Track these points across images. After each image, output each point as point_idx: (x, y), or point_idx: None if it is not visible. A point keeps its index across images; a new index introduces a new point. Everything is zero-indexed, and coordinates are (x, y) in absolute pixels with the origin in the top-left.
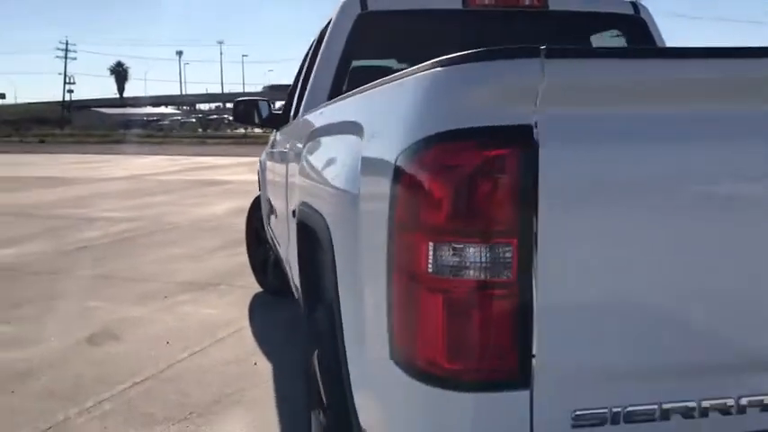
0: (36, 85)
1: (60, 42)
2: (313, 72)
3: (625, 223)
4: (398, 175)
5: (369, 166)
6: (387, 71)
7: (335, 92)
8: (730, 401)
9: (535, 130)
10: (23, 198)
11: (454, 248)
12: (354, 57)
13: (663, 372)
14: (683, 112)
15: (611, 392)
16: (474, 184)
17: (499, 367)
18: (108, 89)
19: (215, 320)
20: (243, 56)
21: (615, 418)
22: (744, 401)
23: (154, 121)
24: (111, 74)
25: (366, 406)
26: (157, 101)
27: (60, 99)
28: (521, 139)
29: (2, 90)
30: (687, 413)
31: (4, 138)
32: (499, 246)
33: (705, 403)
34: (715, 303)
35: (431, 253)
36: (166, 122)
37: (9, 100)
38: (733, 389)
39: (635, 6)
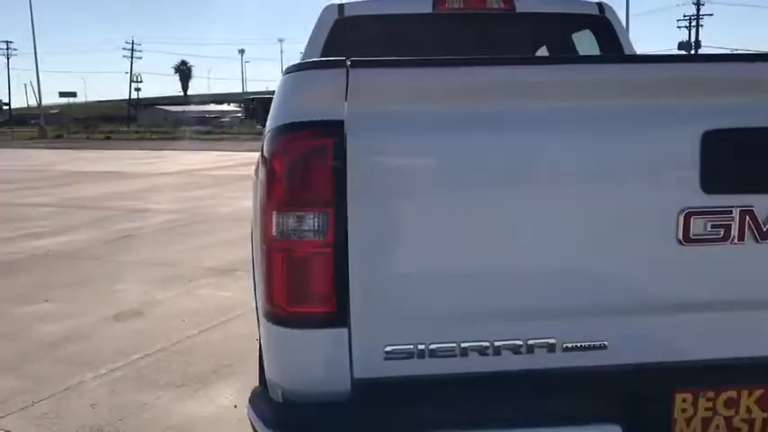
0: (105, 84)
1: (126, 42)
2: None
3: (418, 196)
4: (262, 157)
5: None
6: None
7: None
8: (519, 342)
9: (345, 124)
10: (79, 191)
11: (289, 217)
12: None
13: (460, 317)
14: (462, 109)
15: (416, 333)
16: (300, 167)
17: (323, 309)
18: (173, 87)
19: (229, 302)
20: (300, 53)
21: (421, 354)
22: (531, 342)
23: (214, 118)
24: (176, 72)
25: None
26: (220, 98)
27: (127, 97)
28: (334, 131)
29: (74, 89)
30: (483, 351)
31: (72, 134)
32: (319, 214)
33: (498, 343)
34: (498, 262)
35: (275, 220)
36: (226, 119)
37: (80, 98)
38: (524, 332)
39: (600, 7)
